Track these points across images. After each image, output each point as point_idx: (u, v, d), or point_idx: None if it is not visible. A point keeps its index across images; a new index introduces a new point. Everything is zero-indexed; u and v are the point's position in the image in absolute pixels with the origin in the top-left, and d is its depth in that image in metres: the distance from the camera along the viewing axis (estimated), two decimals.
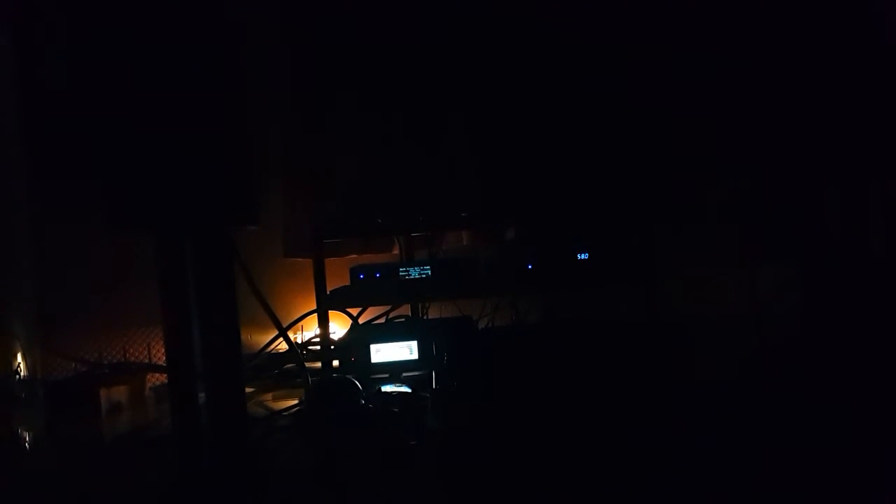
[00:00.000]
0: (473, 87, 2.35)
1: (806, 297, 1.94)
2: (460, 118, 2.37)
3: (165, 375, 2.03)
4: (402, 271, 2.09)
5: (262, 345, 2.31)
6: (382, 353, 2.00)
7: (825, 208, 1.95)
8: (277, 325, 2.15)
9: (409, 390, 1.80)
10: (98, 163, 1.23)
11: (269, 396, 2.08)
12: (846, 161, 1.90)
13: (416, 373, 1.98)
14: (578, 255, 2.10)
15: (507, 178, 2.35)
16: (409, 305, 2.38)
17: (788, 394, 1.65)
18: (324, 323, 2.04)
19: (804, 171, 1.97)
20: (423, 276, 2.09)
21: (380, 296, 2.13)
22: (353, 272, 2.09)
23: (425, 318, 2.37)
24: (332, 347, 2.08)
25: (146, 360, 2.31)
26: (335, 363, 2.05)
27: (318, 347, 2.18)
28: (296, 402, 1.90)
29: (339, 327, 2.33)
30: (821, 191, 1.97)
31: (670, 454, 1.34)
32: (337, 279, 2.11)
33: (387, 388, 1.81)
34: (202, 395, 1.34)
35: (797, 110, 1.96)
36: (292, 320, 2.30)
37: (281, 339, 2.20)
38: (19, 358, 1.74)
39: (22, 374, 1.71)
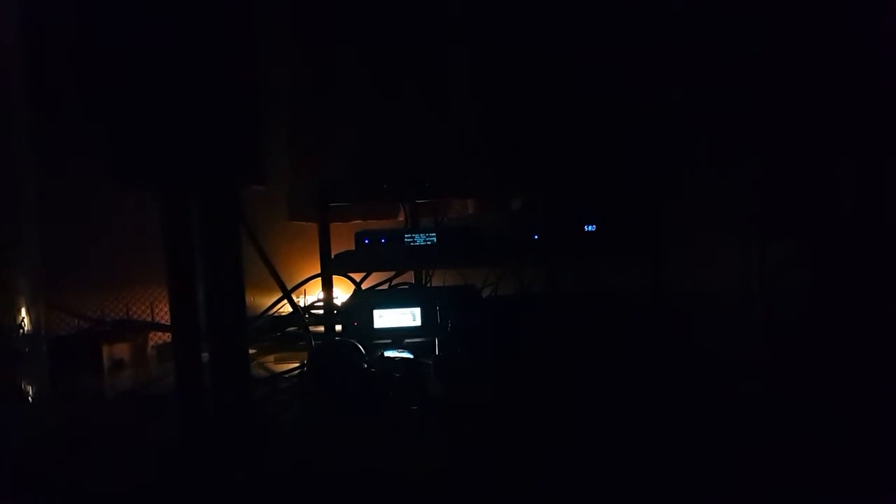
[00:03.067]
0: (484, 54, 2.31)
1: (815, 274, 1.92)
2: (469, 85, 2.34)
3: (168, 334, 2.03)
4: (408, 238, 2.08)
5: (264, 307, 2.31)
6: (385, 318, 1.99)
7: (838, 184, 1.93)
8: (282, 287, 2.14)
9: (411, 356, 1.80)
10: (104, 116, 1.21)
11: (271, 358, 2.09)
12: (861, 135, 1.87)
13: (419, 339, 1.98)
14: (586, 227, 2.08)
15: (516, 147, 2.33)
16: (413, 273, 2.38)
17: (794, 372, 1.65)
18: (327, 287, 2.03)
19: (817, 145, 1.94)
20: (429, 243, 2.08)
21: (385, 262, 2.12)
22: (359, 237, 2.08)
23: (429, 285, 2.37)
24: (336, 312, 2.07)
25: (149, 319, 2.32)
26: (338, 328, 2.05)
27: (321, 311, 2.18)
28: (298, 364, 1.91)
29: (341, 292, 2.33)
30: (833, 166, 1.94)
31: (671, 433, 1.34)
32: (341, 244, 2.10)
33: (389, 354, 1.81)
34: (205, 355, 1.34)
35: (811, 81, 1.92)
36: (296, 283, 2.29)
37: (284, 301, 2.19)
38: (23, 312, 1.74)
39: (25, 328, 1.72)
